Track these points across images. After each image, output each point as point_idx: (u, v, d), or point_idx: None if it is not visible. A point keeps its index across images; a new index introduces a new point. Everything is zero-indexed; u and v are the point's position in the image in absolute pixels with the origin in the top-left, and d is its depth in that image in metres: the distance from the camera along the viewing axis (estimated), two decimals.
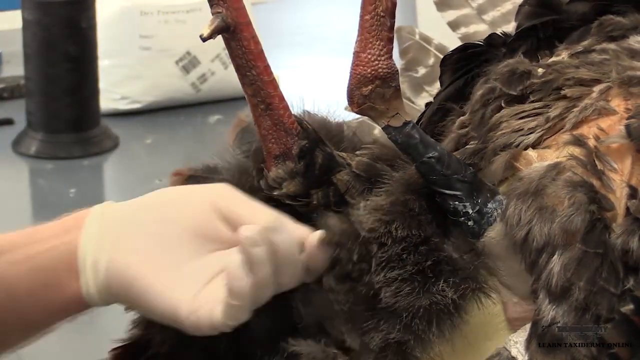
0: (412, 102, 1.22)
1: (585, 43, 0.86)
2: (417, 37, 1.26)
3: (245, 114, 0.90)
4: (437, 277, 0.77)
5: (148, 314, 0.80)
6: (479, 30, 1.22)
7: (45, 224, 0.83)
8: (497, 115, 0.82)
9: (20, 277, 0.81)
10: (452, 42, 1.21)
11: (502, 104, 0.83)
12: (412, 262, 0.78)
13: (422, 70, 1.24)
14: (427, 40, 1.26)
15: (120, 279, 0.79)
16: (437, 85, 1.21)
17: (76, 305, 0.81)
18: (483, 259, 0.78)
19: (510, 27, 1.17)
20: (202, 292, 0.78)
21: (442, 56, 1.21)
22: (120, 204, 0.83)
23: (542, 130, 0.80)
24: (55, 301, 0.81)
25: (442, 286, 0.77)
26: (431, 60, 1.25)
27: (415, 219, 0.79)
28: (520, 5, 0.89)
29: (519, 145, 0.80)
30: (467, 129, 0.84)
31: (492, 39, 0.90)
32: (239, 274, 0.76)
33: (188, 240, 0.79)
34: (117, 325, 0.88)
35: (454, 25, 1.24)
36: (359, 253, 0.79)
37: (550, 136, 0.80)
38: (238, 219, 0.79)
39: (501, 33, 0.90)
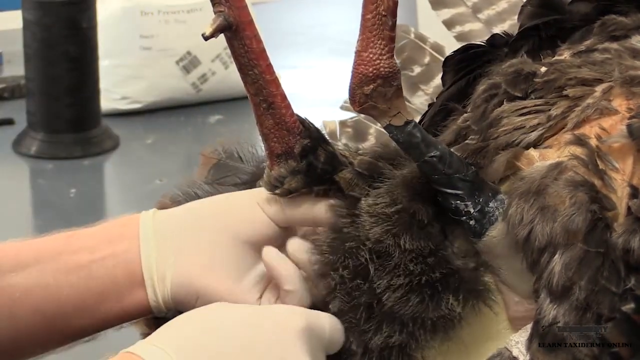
0: (408, 101, 1.22)
1: (587, 43, 0.86)
2: (412, 36, 1.26)
3: (209, 149, 0.93)
4: (445, 291, 0.78)
5: None
6: (474, 28, 1.22)
7: (79, 229, 0.85)
8: (497, 110, 0.82)
9: (71, 285, 0.82)
10: (452, 41, 1.21)
11: (504, 102, 0.83)
12: (419, 272, 0.78)
13: (417, 69, 1.24)
14: (423, 39, 1.26)
15: (187, 291, 0.82)
16: (433, 84, 1.21)
17: (137, 313, 0.84)
18: (486, 265, 0.79)
19: (505, 26, 1.17)
20: (262, 300, 0.82)
21: (437, 55, 1.22)
22: (170, 211, 0.85)
23: (544, 128, 0.80)
24: (110, 309, 0.83)
25: (452, 302, 0.77)
26: (426, 59, 1.24)
27: (424, 230, 0.79)
28: (523, 6, 0.89)
29: (520, 143, 0.80)
30: (467, 122, 0.84)
31: (494, 39, 0.89)
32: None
33: (242, 249, 0.83)
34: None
35: (449, 23, 1.24)
36: (350, 269, 0.79)
37: (552, 135, 0.80)
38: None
39: (503, 33, 0.90)
